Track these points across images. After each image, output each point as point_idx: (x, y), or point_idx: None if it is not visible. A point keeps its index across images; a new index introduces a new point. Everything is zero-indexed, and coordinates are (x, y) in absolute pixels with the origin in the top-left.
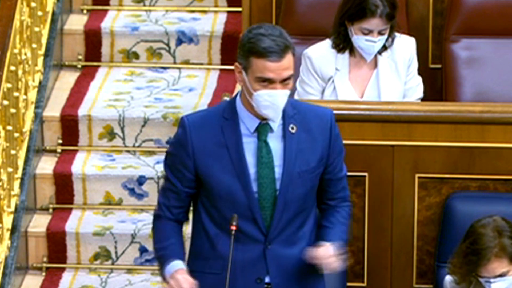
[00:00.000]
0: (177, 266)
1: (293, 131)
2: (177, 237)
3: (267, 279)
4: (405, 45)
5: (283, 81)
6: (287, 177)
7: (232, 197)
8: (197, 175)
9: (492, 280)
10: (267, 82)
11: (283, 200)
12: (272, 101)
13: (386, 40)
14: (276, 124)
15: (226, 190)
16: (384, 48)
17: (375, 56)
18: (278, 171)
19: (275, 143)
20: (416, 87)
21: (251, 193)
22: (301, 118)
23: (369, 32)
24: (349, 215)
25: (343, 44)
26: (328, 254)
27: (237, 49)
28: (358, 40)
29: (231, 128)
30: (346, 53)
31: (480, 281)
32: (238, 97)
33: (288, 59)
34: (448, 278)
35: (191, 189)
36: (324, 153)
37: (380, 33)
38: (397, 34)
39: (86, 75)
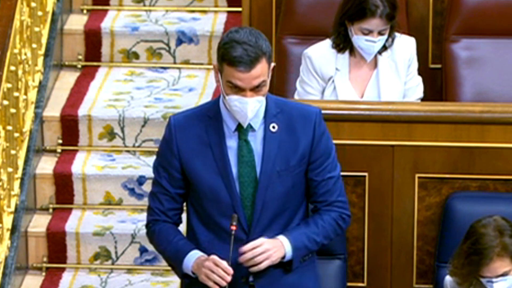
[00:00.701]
0: (197, 255)
1: (274, 130)
2: (182, 235)
3: (251, 279)
4: (405, 45)
5: (254, 88)
6: (266, 176)
7: (216, 196)
8: (184, 174)
9: (494, 280)
10: (237, 88)
11: (262, 199)
12: (241, 108)
13: (386, 40)
14: (258, 123)
15: (210, 188)
16: (384, 48)
17: (375, 56)
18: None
19: (256, 142)
20: (416, 87)
21: (234, 192)
22: (285, 116)
23: (369, 32)
24: (334, 220)
25: (343, 44)
26: (256, 252)
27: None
28: (358, 40)
29: (215, 127)
30: (346, 53)
31: (482, 282)
32: (221, 96)
33: (259, 68)
34: (448, 278)
35: (181, 190)
36: (306, 151)
37: (380, 33)
38: (397, 34)
39: (86, 75)
